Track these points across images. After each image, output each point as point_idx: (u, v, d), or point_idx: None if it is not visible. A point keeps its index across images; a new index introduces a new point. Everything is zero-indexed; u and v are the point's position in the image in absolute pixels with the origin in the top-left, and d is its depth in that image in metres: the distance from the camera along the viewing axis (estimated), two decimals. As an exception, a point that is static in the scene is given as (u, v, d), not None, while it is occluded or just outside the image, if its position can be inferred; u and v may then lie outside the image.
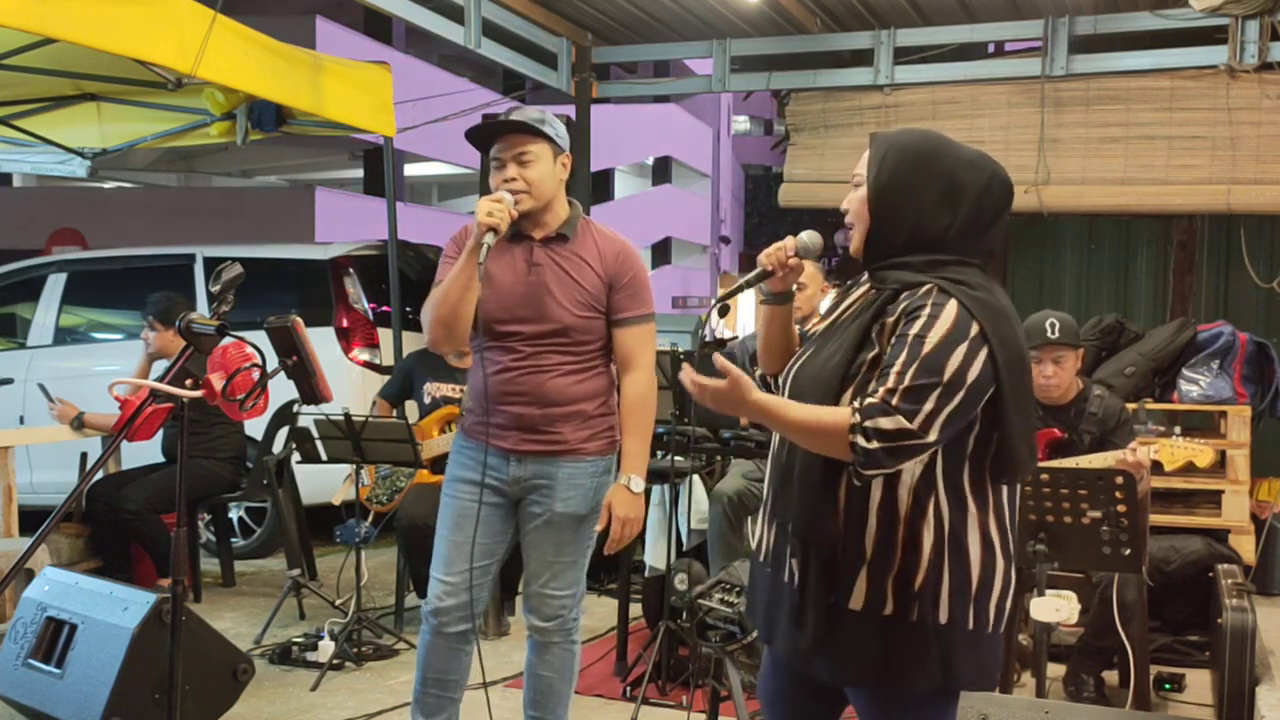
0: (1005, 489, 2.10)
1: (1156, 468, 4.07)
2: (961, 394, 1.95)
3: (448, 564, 3.18)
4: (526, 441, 3.10)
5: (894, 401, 1.94)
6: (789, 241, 2.30)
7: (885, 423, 1.93)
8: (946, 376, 1.95)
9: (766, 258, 2.30)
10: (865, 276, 2.25)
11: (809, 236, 2.31)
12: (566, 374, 3.09)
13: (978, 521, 2.05)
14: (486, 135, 3.07)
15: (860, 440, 1.94)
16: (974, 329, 1.97)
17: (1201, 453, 3.95)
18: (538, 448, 3.11)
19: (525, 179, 3.01)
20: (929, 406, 1.94)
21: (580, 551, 3.21)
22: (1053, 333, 4.12)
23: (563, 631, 3.24)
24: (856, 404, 1.97)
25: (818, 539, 2.06)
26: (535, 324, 3.06)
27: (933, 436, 1.95)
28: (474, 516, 3.14)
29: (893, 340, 2.01)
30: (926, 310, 1.99)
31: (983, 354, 1.97)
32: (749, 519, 4.74)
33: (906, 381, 1.94)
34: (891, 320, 2.04)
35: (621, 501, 3.09)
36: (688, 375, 2.05)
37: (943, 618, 2.01)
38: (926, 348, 1.96)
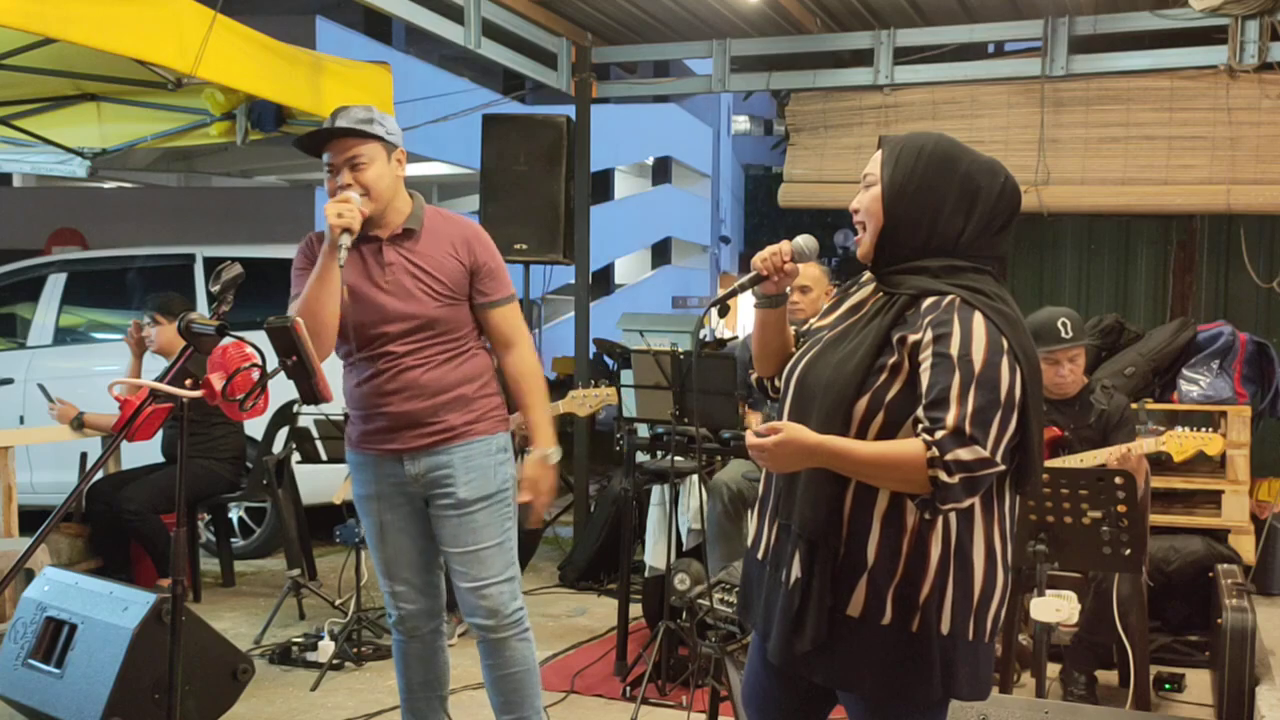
0: (1009, 498, 2.08)
1: (1166, 460, 4.08)
2: (1015, 413, 1.94)
3: (392, 576, 3.20)
4: (415, 438, 3.08)
5: (967, 429, 1.90)
6: (785, 246, 2.28)
7: (964, 454, 1.90)
8: (1003, 396, 1.93)
9: (762, 262, 2.27)
10: (865, 277, 2.23)
11: (805, 240, 2.28)
12: (441, 363, 3.09)
13: (983, 532, 2.03)
14: (316, 142, 3.04)
15: (942, 475, 1.90)
16: (1004, 343, 1.96)
17: (1211, 441, 3.96)
18: (427, 441, 3.09)
19: (361, 183, 2.99)
20: (995, 430, 1.92)
21: (500, 533, 3.15)
22: (1066, 333, 4.14)
23: (512, 623, 3.15)
24: (926, 436, 1.92)
25: (825, 542, 2.04)
26: (401, 323, 3.05)
27: (1001, 462, 1.93)
28: (396, 528, 3.16)
29: (927, 360, 1.98)
30: (955, 326, 1.96)
31: (1017, 369, 1.96)
32: (749, 511, 4.74)
33: (970, 406, 1.91)
34: (916, 336, 2.00)
35: (543, 476, 3.12)
36: (751, 440, 2.02)
37: (944, 629, 2.00)
38: (977, 367, 1.93)
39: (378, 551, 3.20)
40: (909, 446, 1.94)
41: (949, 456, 1.90)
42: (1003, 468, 1.94)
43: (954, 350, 1.95)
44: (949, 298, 2.01)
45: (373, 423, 3.11)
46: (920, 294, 2.04)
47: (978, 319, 1.97)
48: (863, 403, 2.02)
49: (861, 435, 2.03)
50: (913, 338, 2.01)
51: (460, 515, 3.11)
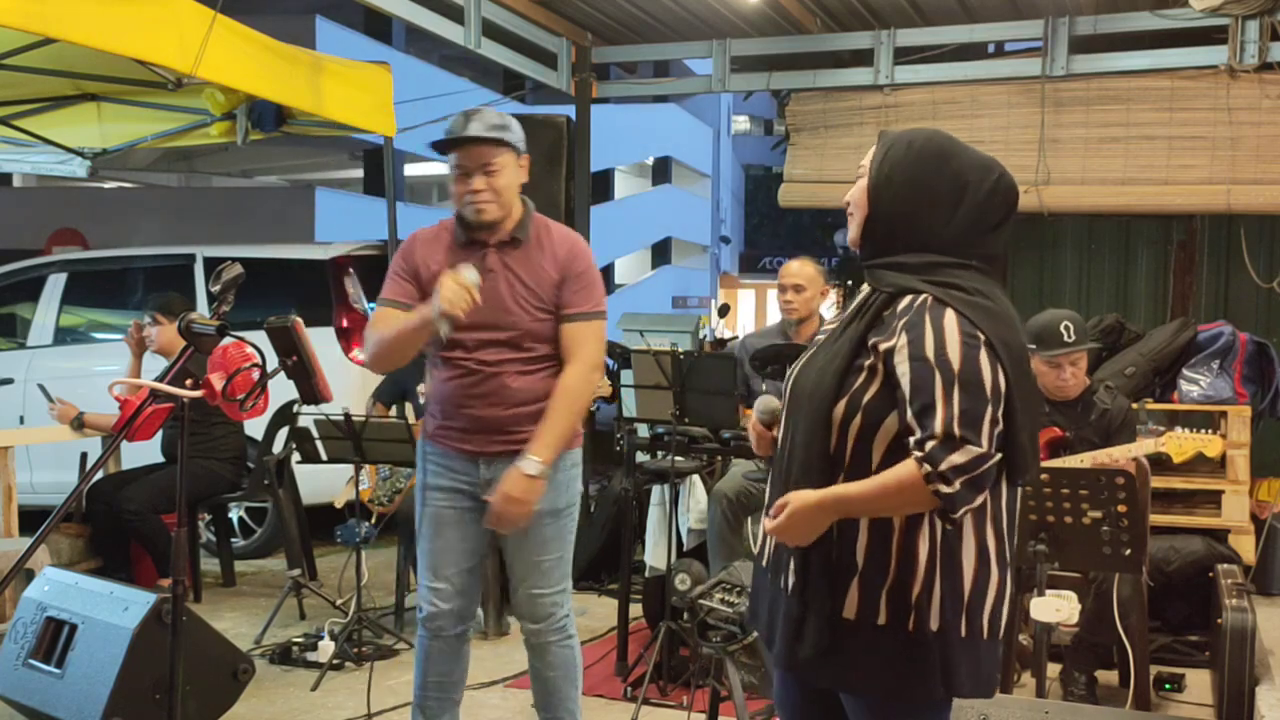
0: (1005, 494, 2.07)
1: (1166, 460, 4.08)
2: (1003, 403, 1.94)
3: (434, 571, 3.20)
4: (493, 443, 3.09)
5: (956, 432, 1.90)
6: (754, 422, 2.31)
7: (958, 458, 1.89)
8: (988, 390, 1.93)
9: (759, 450, 2.31)
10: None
11: (762, 404, 2.30)
12: (527, 374, 3.10)
13: (973, 530, 2.03)
14: (453, 145, 3.07)
15: (942, 487, 1.90)
16: (980, 336, 1.95)
17: (1210, 443, 3.96)
18: (505, 448, 3.09)
19: (493, 188, 3.05)
20: (987, 424, 1.92)
21: (563, 546, 3.21)
22: (1068, 336, 4.12)
23: (556, 630, 3.24)
24: (917, 452, 1.92)
25: (816, 546, 2.04)
26: (493, 331, 3.07)
27: (998, 453, 1.93)
28: (451, 522, 3.16)
29: (904, 365, 1.97)
30: (927, 327, 1.96)
31: (996, 361, 1.95)
32: (749, 519, 4.74)
33: (957, 407, 1.91)
34: (889, 343, 1.99)
35: (511, 480, 2.99)
36: (767, 525, 2.06)
37: (934, 625, 1.99)
38: (955, 367, 1.92)
39: (427, 543, 3.20)
40: (904, 470, 1.94)
41: (943, 466, 1.90)
42: (999, 457, 1.94)
43: (930, 353, 1.94)
44: (921, 298, 2.00)
45: (454, 420, 3.13)
46: (897, 293, 2.04)
47: (949, 317, 1.96)
48: (841, 405, 2.03)
49: (842, 438, 2.04)
50: (884, 345, 2.01)
51: (527, 526, 3.14)
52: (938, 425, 1.91)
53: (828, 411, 2.04)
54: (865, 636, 2.02)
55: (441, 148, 3.09)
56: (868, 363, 2.03)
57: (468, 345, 3.08)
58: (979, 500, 1.94)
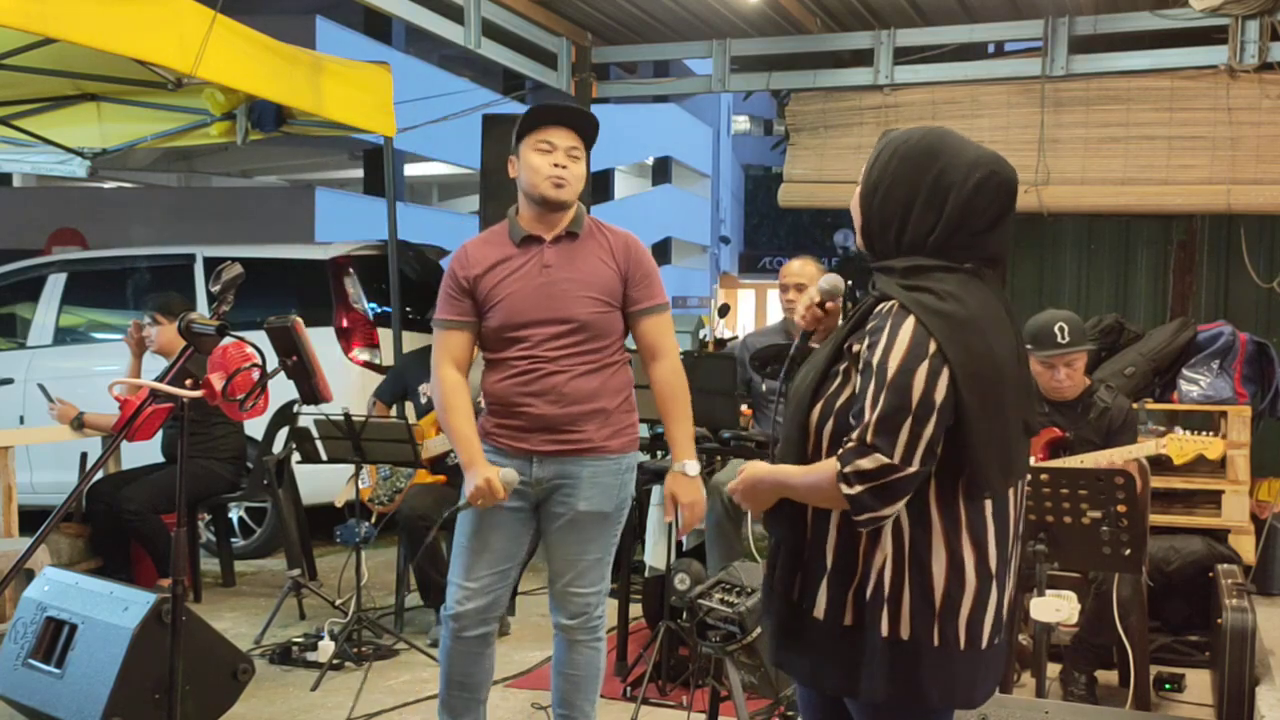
0: (991, 504, 2.02)
1: (1166, 461, 4.08)
2: (934, 418, 1.90)
3: (467, 570, 3.20)
4: (548, 442, 3.11)
5: (869, 439, 1.90)
6: (812, 293, 2.31)
7: (864, 463, 1.90)
8: (915, 402, 1.89)
9: (805, 322, 2.33)
10: None
11: (826, 280, 2.32)
12: (586, 372, 3.11)
13: (943, 540, 1.99)
14: (544, 117, 3.12)
15: (844, 488, 1.91)
16: (931, 346, 1.91)
17: (1212, 445, 3.97)
18: (560, 448, 3.12)
19: (573, 174, 3.11)
20: (904, 436, 1.89)
21: (604, 549, 3.23)
22: (1062, 337, 4.12)
23: (587, 629, 3.28)
24: (840, 450, 1.94)
25: (785, 542, 2.08)
26: (552, 325, 3.09)
27: (915, 467, 1.90)
28: (492, 523, 3.17)
29: (859, 368, 1.98)
30: (885, 332, 1.95)
31: (941, 373, 1.90)
32: (748, 516, 4.74)
33: (877, 414, 1.90)
34: (858, 347, 2.00)
35: (683, 489, 3.18)
36: (730, 487, 2.14)
37: (904, 634, 1.98)
38: (889, 374, 1.91)
39: (468, 541, 3.20)
40: (825, 465, 1.97)
41: (848, 469, 1.91)
42: (914, 471, 1.90)
43: (876, 358, 1.94)
44: (890, 303, 1.99)
45: (509, 420, 3.14)
46: (881, 297, 2.04)
47: (907, 324, 1.94)
48: (816, 410, 2.05)
49: (817, 441, 2.05)
50: (856, 348, 2.02)
51: (571, 525, 3.18)
52: (859, 429, 1.93)
53: (805, 415, 2.06)
54: (833, 636, 2.02)
55: (545, 116, 3.11)
56: (842, 367, 2.04)
57: (526, 341, 3.09)
58: (887, 510, 1.92)
